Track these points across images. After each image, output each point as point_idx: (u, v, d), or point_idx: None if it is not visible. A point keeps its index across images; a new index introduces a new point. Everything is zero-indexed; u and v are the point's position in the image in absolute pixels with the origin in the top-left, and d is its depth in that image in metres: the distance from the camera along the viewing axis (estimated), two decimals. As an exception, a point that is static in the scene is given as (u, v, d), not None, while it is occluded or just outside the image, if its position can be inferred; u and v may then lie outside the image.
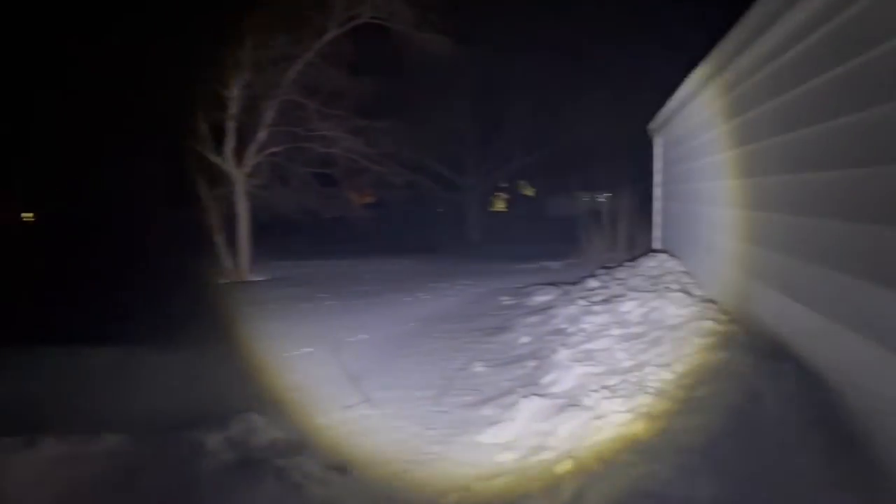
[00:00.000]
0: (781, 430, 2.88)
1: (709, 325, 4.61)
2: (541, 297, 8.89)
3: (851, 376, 2.84)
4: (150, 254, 10.91)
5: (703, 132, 6.56)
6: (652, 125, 10.52)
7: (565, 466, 3.51)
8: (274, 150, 13.63)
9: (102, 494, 3.56)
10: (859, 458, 2.59)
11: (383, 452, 4.34)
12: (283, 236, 20.94)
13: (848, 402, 2.85)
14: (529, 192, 42.26)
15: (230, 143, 13.06)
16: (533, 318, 7.65)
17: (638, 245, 13.31)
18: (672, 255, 8.00)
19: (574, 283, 8.99)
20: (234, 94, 12.78)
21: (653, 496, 2.88)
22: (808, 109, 3.52)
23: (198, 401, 5.00)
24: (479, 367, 6.08)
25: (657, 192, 10.77)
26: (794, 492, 2.51)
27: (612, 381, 4.53)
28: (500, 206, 41.30)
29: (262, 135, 13.15)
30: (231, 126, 12.97)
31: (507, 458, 4.06)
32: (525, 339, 6.77)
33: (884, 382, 2.55)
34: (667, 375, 4.14)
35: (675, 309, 5.46)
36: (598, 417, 3.92)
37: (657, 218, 10.79)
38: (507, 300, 9.43)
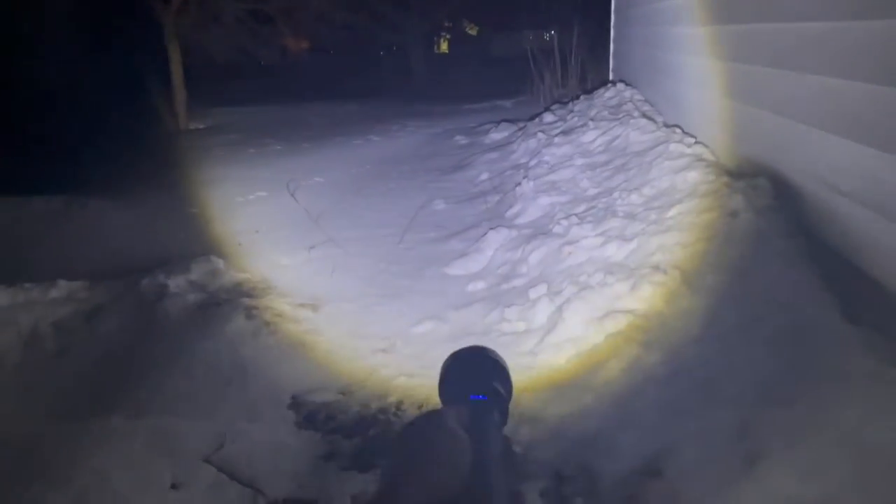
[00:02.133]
0: (759, 243, 2.89)
1: (676, 147, 4.53)
2: (497, 135, 8.70)
3: (825, 178, 2.82)
4: (75, 104, 10.10)
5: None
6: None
7: (540, 290, 3.51)
8: (201, -17, 12.43)
9: (62, 339, 3.43)
10: (835, 259, 2.62)
11: (352, 289, 4.29)
12: (221, 83, 19.78)
13: (822, 206, 2.85)
14: (473, 31, 40.58)
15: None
16: (491, 155, 7.50)
17: (590, 80, 13.01)
18: (630, 85, 7.79)
19: (530, 119, 8.78)
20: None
21: (631, 313, 2.91)
22: None
23: (152, 248, 4.79)
24: (440, 205, 5.99)
25: (613, 18, 10.33)
26: (774, 299, 2.54)
27: (579, 209, 4.49)
28: (444, 47, 39.72)
29: (186, -35, 11.91)
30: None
31: (479, 286, 4.07)
32: (485, 176, 6.66)
33: (855, 176, 2.54)
34: (636, 199, 4.10)
35: (638, 135, 5.36)
36: (569, 243, 3.90)
37: (613, 47, 10.42)
38: (462, 139, 9.21)
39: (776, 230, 2.92)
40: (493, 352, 0.94)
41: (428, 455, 0.68)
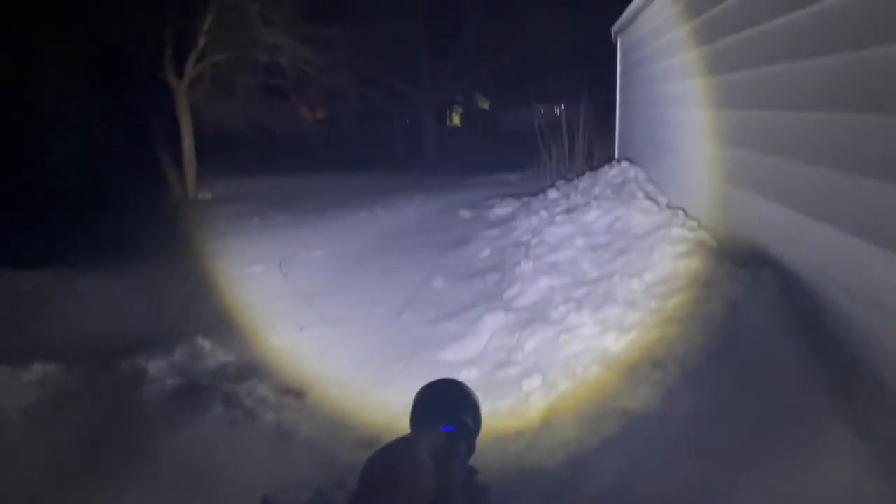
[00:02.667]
0: (762, 339, 2.72)
1: (678, 232, 4.41)
2: (501, 210, 8.65)
3: (834, 276, 2.67)
4: (88, 174, 10.21)
5: (668, 30, 6.20)
6: (615, 27, 10.07)
7: (533, 383, 3.33)
8: (216, 58, 12.72)
9: (30, 427, 3.26)
10: (846, 364, 2.44)
11: (342, 373, 4.12)
12: (233, 153, 20.10)
13: (831, 304, 2.69)
14: (485, 105, 41.46)
15: (167, 50, 12.12)
16: (493, 231, 7.42)
17: (597, 156, 13.08)
18: (634, 163, 7.76)
19: (534, 195, 8.75)
20: (169, -4, 11.76)
21: (628, 413, 2.72)
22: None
23: (140, 325, 4.69)
24: (439, 282, 5.86)
25: (619, 98, 10.43)
26: (778, 404, 2.36)
27: (578, 293, 4.34)
28: (456, 120, 40.50)
29: (201, 42, 12.21)
30: (167, 33, 11.99)
31: (472, 374, 3.89)
32: (486, 253, 6.56)
33: (867, 277, 2.38)
34: (636, 285, 3.96)
35: (641, 217, 5.26)
36: (566, 331, 3.74)
37: (619, 125, 10.50)
38: (466, 214, 9.16)
39: (781, 326, 2.75)
40: (465, 386, 0.97)
41: (393, 482, 0.69)
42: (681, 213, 4.99)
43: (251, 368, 3.97)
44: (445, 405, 0.94)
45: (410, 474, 0.71)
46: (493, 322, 4.42)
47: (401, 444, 0.77)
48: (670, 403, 2.68)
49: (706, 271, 3.63)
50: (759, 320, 2.84)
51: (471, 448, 0.91)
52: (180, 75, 12.36)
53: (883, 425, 2.12)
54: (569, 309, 4.03)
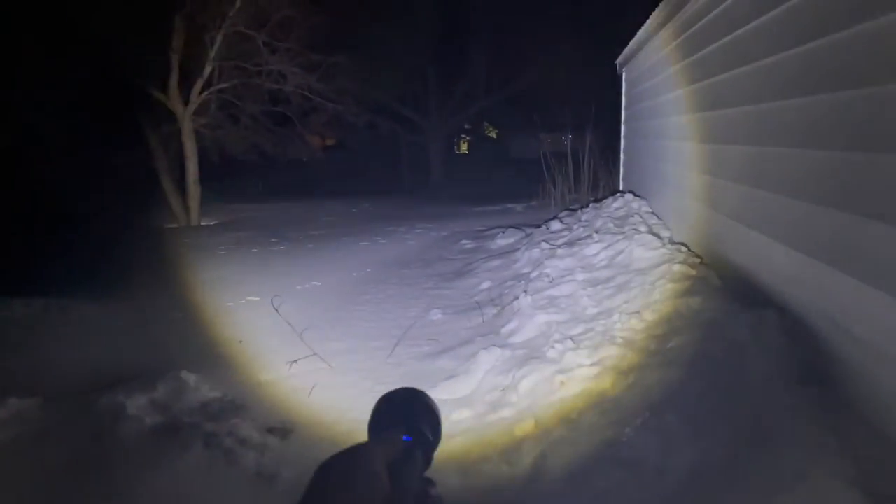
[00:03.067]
0: (767, 386, 2.57)
1: (680, 268, 4.28)
2: (503, 241, 8.55)
3: (841, 323, 2.52)
4: (88, 200, 10.17)
5: (665, 66, 6.14)
6: (620, 59, 10.05)
7: (526, 427, 3.18)
8: (221, 86, 12.78)
9: (4, 466, 3.13)
10: (855, 419, 2.29)
11: (330, 411, 3.97)
12: (238, 179, 20.19)
13: (839, 354, 2.54)
14: (493, 133, 41.64)
15: (173, 78, 12.20)
16: (495, 262, 7.30)
17: (602, 186, 13.01)
18: (638, 196, 7.66)
19: (537, 226, 8.65)
20: (176, 24, 11.85)
21: (624, 463, 2.56)
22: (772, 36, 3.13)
23: (126, 356, 4.57)
24: (436, 315, 5.73)
25: (624, 129, 10.37)
26: (784, 458, 2.20)
27: (576, 331, 4.20)
28: (464, 148, 40.68)
29: (207, 70, 12.29)
30: (174, 60, 12.07)
31: (464, 415, 3.73)
32: (486, 285, 6.43)
33: (879, 330, 2.24)
34: (636, 324, 3.82)
35: (642, 252, 5.13)
36: (563, 371, 3.59)
37: (623, 157, 10.42)
38: (468, 244, 9.06)
39: (784, 373, 2.60)
40: (426, 396, 0.93)
41: (344, 492, 0.68)
42: (683, 248, 4.86)
43: (236, 405, 3.84)
44: (404, 414, 0.89)
45: (361, 485, 0.69)
46: (488, 359, 4.26)
47: (353, 454, 0.73)
48: (669, 454, 2.53)
49: (708, 311, 3.50)
50: (763, 366, 2.69)
51: (428, 460, 0.87)
52: (186, 102, 12.41)
53: (892, 486, 1.97)
54: (566, 348, 3.88)
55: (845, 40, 2.48)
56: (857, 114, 2.40)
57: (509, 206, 14.47)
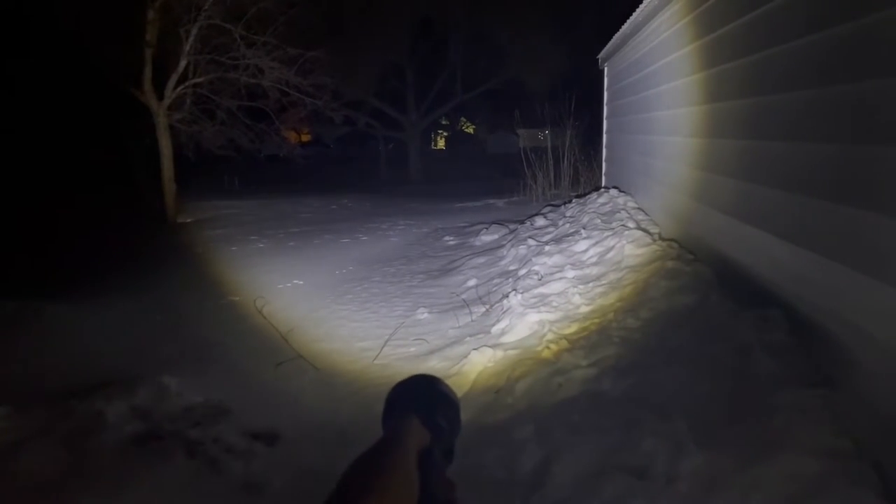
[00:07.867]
0: (777, 390, 2.49)
1: (674, 265, 4.21)
2: (487, 237, 8.45)
3: (849, 319, 2.45)
4: (61, 197, 9.89)
5: (662, 55, 6.05)
6: (602, 54, 9.98)
7: (525, 431, 3.08)
8: (197, 80, 12.48)
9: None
10: (877, 425, 2.21)
11: (317, 416, 3.84)
12: (215, 175, 19.86)
13: (847, 353, 2.46)
14: (470, 129, 41.58)
15: (147, 73, 11.87)
16: (480, 259, 7.20)
17: (583, 182, 12.97)
18: (623, 192, 7.60)
19: (521, 222, 8.56)
20: (150, 17, 11.53)
21: (629, 471, 2.47)
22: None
23: (104, 361, 4.39)
24: (423, 314, 5.61)
25: (606, 124, 10.31)
26: (794, 469, 2.12)
27: (570, 330, 4.11)
28: (441, 143, 40.57)
29: (182, 64, 11.97)
30: (148, 54, 11.74)
31: (457, 419, 3.61)
32: (472, 282, 6.32)
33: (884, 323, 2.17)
34: (633, 322, 3.74)
35: (633, 248, 5.07)
36: (560, 373, 3.49)
37: (606, 152, 10.36)
38: (451, 240, 8.95)
39: (792, 375, 2.52)
40: (443, 383, 0.86)
41: (382, 487, 0.62)
42: (675, 245, 4.79)
43: (220, 411, 3.69)
44: (420, 405, 0.81)
45: (400, 481, 0.64)
46: (480, 359, 4.16)
47: (389, 448, 0.70)
48: (676, 461, 2.44)
49: (707, 308, 3.42)
50: (770, 369, 2.61)
51: (449, 455, 0.80)
52: (161, 97, 12.10)
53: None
54: (560, 348, 3.79)
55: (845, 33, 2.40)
56: (869, 107, 2.33)
57: (490, 201, 14.38)
